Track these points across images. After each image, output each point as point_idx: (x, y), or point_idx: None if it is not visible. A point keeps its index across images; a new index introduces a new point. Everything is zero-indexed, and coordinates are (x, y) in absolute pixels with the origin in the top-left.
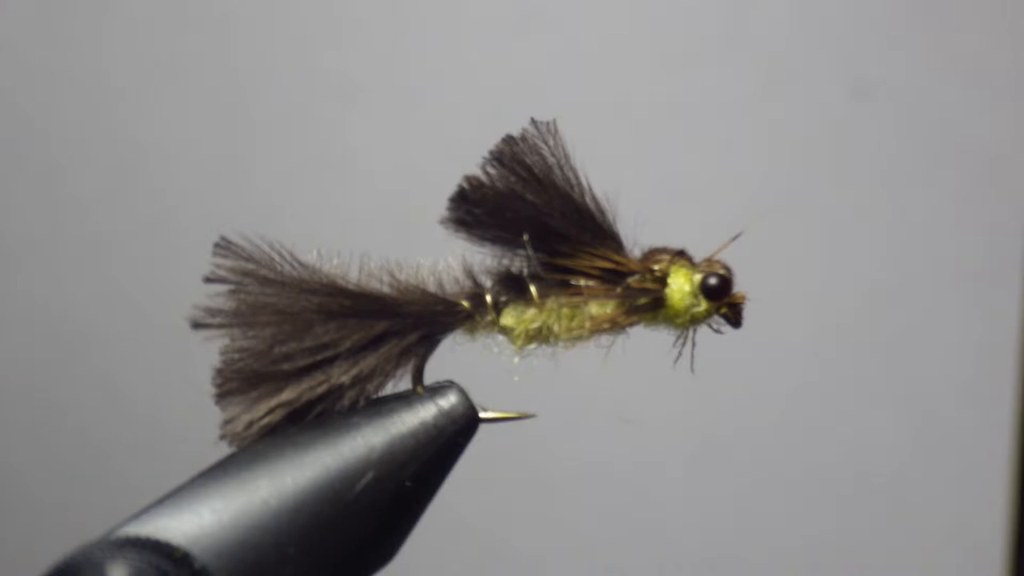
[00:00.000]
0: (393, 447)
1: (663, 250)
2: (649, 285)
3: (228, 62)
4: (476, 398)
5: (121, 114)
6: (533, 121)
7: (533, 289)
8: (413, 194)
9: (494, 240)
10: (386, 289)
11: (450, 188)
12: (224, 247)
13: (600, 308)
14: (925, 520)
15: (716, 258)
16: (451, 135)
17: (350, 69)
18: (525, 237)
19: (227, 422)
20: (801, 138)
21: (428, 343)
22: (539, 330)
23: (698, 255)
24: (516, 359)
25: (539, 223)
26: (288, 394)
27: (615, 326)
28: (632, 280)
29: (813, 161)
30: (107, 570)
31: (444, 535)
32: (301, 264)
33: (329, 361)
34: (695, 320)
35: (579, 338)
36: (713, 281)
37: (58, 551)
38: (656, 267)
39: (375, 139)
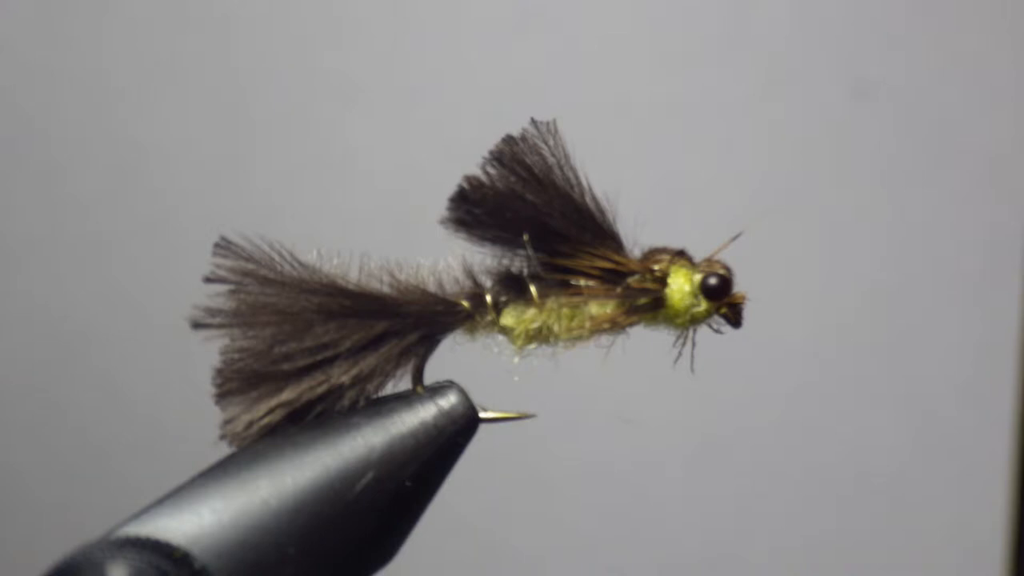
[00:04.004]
0: (393, 447)
1: (663, 250)
2: (649, 285)
3: (228, 62)
4: (476, 398)
5: (121, 114)
6: (533, 121)
7: (533, 289)
8: (413, 194)
9: (494, 240)
10: (386, 289)
11: (450, 188)
12: (224, 247)
13: (600, 308)
14: (925, 520)
15: (716, 258)
16: (451, 135)
17: (350, 69)
18: (525, 237)
19: (227, 422)
20: (801, 138)
21: (428, 343)
22: (539, 330)
23: (698, 255)
24: (516, 359)
25: (539, 223)
26: (288, 394)
27: (615, 326)
28: (632, 280)
29: (813, 161)
30: (107, 570)
31: (444, 535)
32: (301, 264)
33: (329, 361)
34: (695, 320)
35: (579, 338)
36: (713, 281)
37: (58, 551)
38: (656, 267)
39: (375, 139)
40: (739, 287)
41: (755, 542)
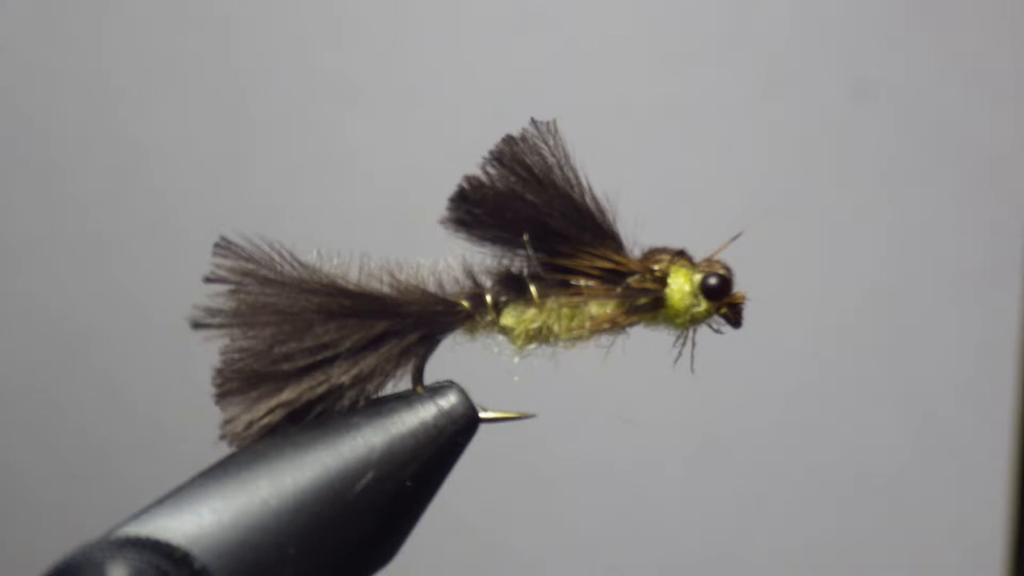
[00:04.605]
0: (393, 447)
1: (663, 250)
2: (649, 285)
3: (228, 62)
4: (476, 398)
5: (121, 114)
6: (533, 121)
7: (533, 289)
8: (413, 194)
9: (494, 240)
10: (386, 289)
11: (450, 188)
12: (224, 247)
13: (600, 308)
14: (925, 520)
15: (716, 258)
16: (451, 135)
17: (350, 69)
18: (525, 237)
19: (227, 422)
20: (801, 138)
21: (428, 343)
22: (539, 330)
23: (698, 255)
24: (516, 359)
25: (539, 223)
26: (288, 394)
27: (615, 326)
28: (632, 280)
29: (813, 161)
30: (107, 570)
31: (444, 535)
32: (301, 264)
33: (329, 361)
34: (695, 320)
35: (579, 338)
36: (713, 281)
37: (58, 551)
38: (656, 267)
39: (375, 139)
40: (739, 287)
41: (755, 542)
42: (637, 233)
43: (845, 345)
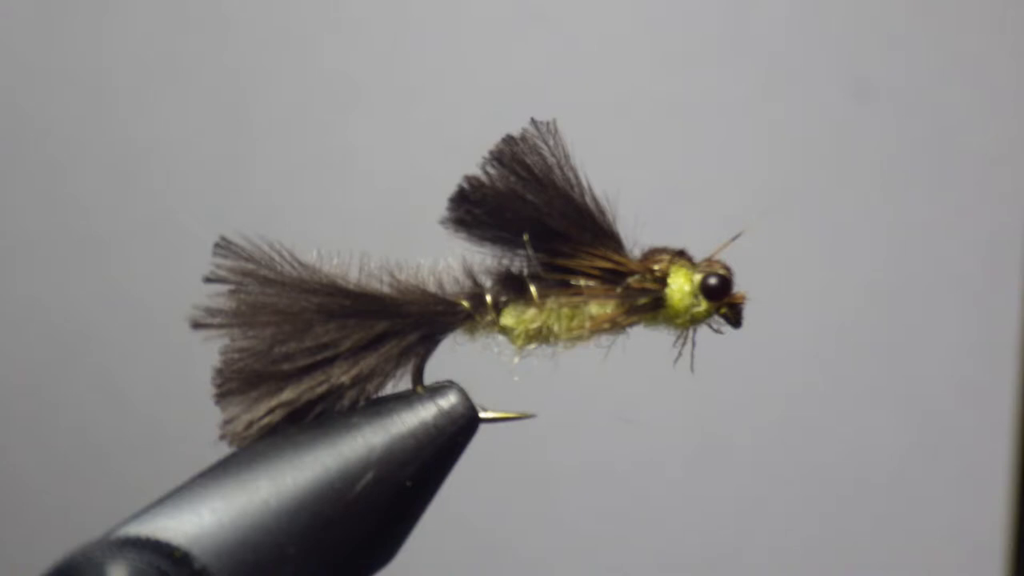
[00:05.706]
0: (393, 447)
1: (663, 250)
2: (649, 285)
3: (228, 62)
4: (476, 398)
5: (121, 114)
6: (533, 121)
7: (533, 289)
8: (413, 194)
9: (494, 240)
10: (386, 289)
11: (450, 188)
12: (224, 247)
13: (600, 308)
14: (925, 520)
15: (716, 258)
16: (451, 135)
17: (350, 69)
18: (525, 237)
19: (227, 422)
20: (801, 138)
21: (428, 343)
22: (539, 330)
23: (698, 255)
24: (516, 359)
25: (539, 223)
26: (288, 394)
27: (615, 326)
28: (632, 280)
29: (813, 161)
30: (107, 570)
31: (444, 535)
32: (301, 264)
33: (329, 361)
34: (695, 320)
35: (579, 338)
36: (713, 281)
37: (58, 551)
38: (656, 267)
39: (375, 139)
40: (739, 287)
41: (755, 542)
42: (637, 233)
43: (845, 345)
